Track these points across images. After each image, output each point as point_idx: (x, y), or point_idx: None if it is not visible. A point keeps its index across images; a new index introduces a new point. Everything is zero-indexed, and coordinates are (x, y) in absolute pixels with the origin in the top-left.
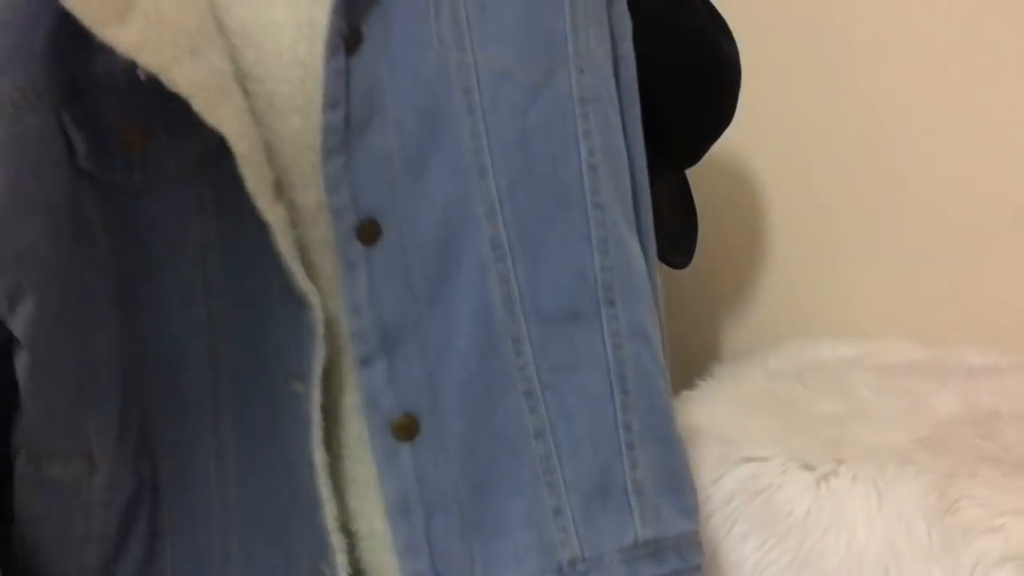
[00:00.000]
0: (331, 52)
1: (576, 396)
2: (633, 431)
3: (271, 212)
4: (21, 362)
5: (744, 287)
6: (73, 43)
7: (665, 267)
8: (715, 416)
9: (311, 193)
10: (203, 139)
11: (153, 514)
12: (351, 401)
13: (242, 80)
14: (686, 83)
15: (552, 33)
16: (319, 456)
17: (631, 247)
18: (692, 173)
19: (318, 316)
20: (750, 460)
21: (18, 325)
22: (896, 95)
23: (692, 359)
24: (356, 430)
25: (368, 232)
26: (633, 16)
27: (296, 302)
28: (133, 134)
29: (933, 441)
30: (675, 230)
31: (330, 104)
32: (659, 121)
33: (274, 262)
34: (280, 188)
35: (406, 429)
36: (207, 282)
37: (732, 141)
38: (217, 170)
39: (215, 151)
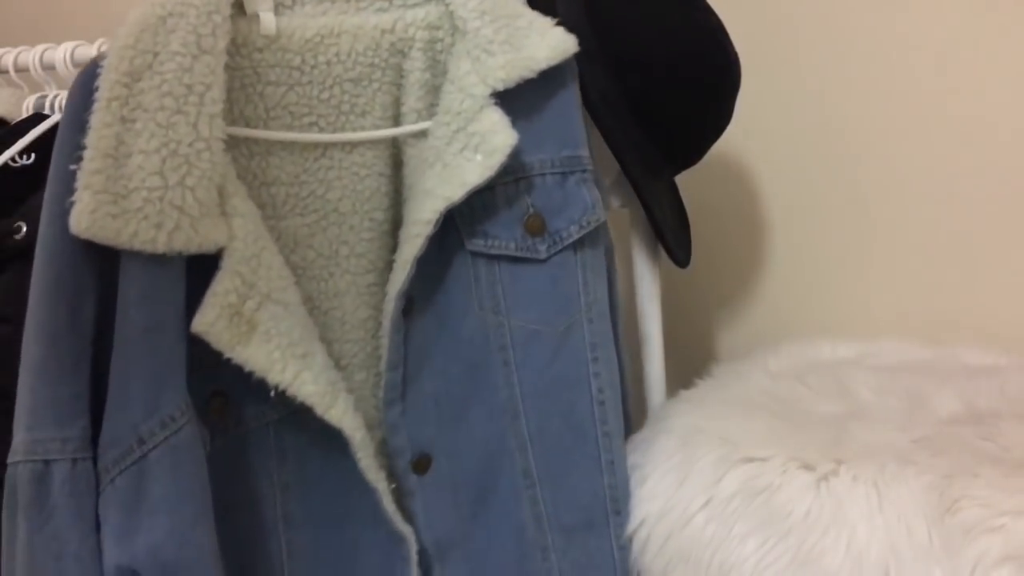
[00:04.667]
0: (395, 328)
1: None
2: None
3: (378, 480)
4: None
5: (744, 287)
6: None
7: (665, 267)
8: (715, 416)
9: (375, 435)
10: (284, 403)
11: None
12: None
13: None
14: (693, 82)
15: (570, 295)
16: None
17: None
18: (692, 173)
19: (412, 546)
20: (750, 460)
21: None
22: (896, 95)
23: (692, 359)
24: None
25: (422, 464)
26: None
27: (390, 537)
28: (217, 402)
29: (933, 441)
30: (674, 228)
31: (391, 366)
32: (664, 120)
33: (360, 501)
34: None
35: None
36: (285, 515)
37: (732, 141)
38: (297, 425)
39: (295, 410)
